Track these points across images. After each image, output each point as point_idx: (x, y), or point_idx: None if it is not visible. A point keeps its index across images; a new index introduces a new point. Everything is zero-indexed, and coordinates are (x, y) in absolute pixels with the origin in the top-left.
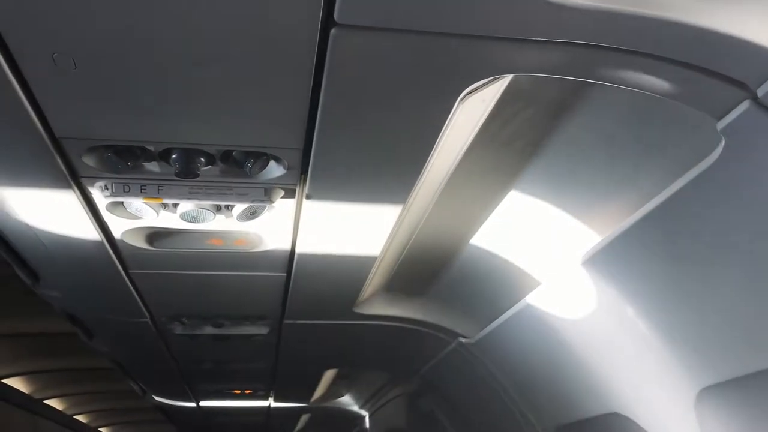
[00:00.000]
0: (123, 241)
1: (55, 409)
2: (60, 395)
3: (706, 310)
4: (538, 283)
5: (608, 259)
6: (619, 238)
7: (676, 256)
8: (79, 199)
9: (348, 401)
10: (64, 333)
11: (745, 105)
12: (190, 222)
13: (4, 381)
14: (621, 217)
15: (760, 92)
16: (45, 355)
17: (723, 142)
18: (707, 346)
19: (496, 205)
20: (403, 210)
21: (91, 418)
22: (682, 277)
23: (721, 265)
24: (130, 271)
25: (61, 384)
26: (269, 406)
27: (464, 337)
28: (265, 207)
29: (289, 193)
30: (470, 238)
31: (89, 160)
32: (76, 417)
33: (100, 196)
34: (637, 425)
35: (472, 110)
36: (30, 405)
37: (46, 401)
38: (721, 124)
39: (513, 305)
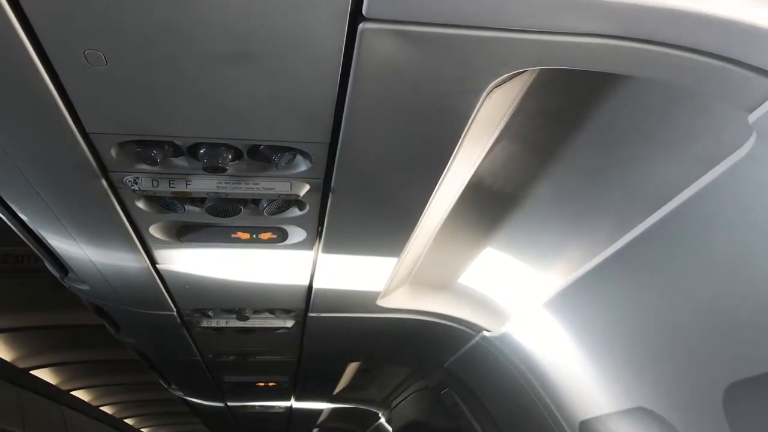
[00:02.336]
0: (151, 235)
1: (83, 400)
2: (87, 386)
3: (735, 304)
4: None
5: (631, 255)
6: (639, 237)
7: (709, 244)
8: (108, 193)
9: (370, 394)
10: (91, 325)
11: None
12: (217, 216)
13: (33, 372)
14: (638, 220)
15: None
16: (73, 347)
17: (754, 135)
18: (736, 340)
19: None
20: (428, 205)
21: (118, 409)
22: (708, 272)
23: (750, 260)
24: (157, 264)
25: (89, 375)
26: (291, 406)
27: (488, 330)
28: (291, 201)
29: (315, 187)
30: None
31: (118, 155)
32: (102, 408)
33: (128, 191)
34: (663, 420)
35: (498, 104)
36: (58, 396)
37: (73, 392)
38: (752, 117)
39: (535, 302)
